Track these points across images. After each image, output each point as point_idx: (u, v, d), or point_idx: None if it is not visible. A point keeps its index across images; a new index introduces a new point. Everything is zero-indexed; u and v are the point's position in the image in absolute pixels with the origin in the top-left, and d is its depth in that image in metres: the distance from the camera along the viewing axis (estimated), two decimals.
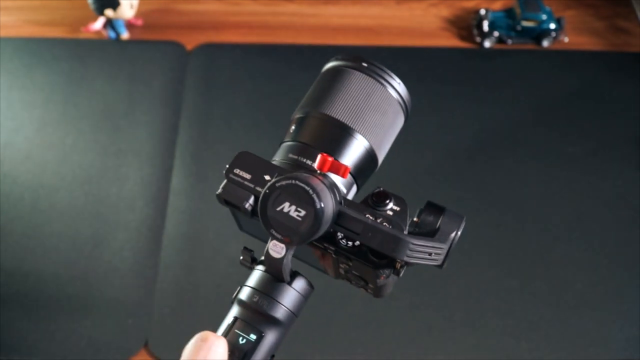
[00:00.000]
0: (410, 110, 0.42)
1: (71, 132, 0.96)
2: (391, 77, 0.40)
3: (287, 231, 0.33)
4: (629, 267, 0.85)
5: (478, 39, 1.07)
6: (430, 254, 0.34)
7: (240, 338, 0.35)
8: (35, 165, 0.93)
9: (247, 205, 0.35)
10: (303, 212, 0.33)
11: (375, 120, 0.39)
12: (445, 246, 0.35)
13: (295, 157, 0.38)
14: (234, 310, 0.37)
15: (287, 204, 0.33)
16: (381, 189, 0.36)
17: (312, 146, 0.38)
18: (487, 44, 1.06)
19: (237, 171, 0.36)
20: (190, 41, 1.07)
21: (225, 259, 0.84)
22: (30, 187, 0.91)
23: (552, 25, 1.05)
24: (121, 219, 0.88)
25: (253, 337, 0.35)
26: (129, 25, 1.09)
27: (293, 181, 0.32)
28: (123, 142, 0.96)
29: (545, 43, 1.07)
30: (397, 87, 0.40)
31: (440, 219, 0.36)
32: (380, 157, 0.40)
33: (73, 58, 1.05)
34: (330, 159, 0.34)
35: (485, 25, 1.06)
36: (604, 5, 1.15)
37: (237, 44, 1.07)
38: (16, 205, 0.89)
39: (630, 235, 0.87)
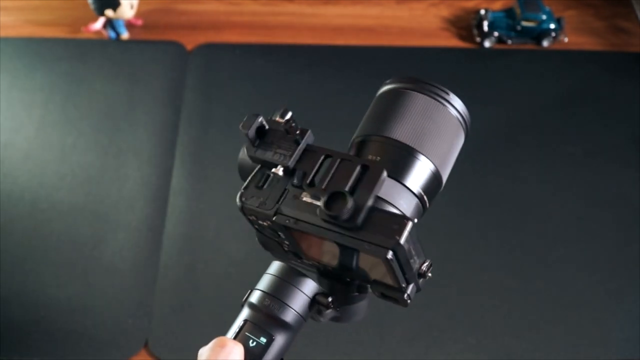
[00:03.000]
0: (470, 127, 0.42)
1: (71, 132, 0.96)
2: (449, 95, 0.39)
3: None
4: (629, 267, 0.85)
5: (478, 39, 1.07)
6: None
7: (251, 341, 0.36)
8: (35, 165, 0.93)
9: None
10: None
11: (439, 141, 0.38)
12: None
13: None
14: (245, 313, 0.37)
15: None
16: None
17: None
18: (487, 44, 1.06)
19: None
20: (190, 41, 1.07)
21: (225, 259, 0.84)
22: (30, 187, 0.91)
23: (552, 25, 1.05)
24: (121, 219, 0.88)
25: (263, 340, 0.36)
26: (129, 25, 1.09)
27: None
28: (123, 142, 0.96)
29: (545, 43, 1.07)
30: (456, 105, 0.40)
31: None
32: (445, 177, 0.40)
33: (73, 58, 1.05)
34: None
35: (485, 25, 1.05)
36: (604, 5, 1.15)
37: (237, 44, 1.07)
38: (16, 205, 0.89)
39: (630, 235, 0.87)
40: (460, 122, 0.40)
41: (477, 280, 0.83)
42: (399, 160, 0.37)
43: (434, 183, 0.38)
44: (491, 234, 0.87)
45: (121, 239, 0.86)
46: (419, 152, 0.37)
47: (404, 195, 0.36)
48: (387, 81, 0.40)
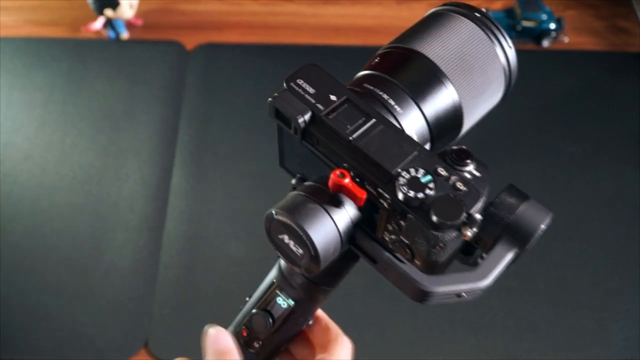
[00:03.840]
0: (512, 87, 0.37)
1: (71, 132, 0.96)
2: (504, 37, 0.34)
3: (292, 261, 0.31)
4: (629, 267, 0.85)
5: None
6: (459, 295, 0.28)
7: (280, 300, 0.37)
8: (35, 165, 0.93)
9: (300, 121, 0.30)
10: (300, 251, 0.30)
11: (473, 76, 0.33)
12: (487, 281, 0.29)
13: (371, 87, 0.34)
14: (273, 275, 0.38)
15: (285, 236, 0.31)
16: (464, 147, 0.30)
17: (394, 82, 0.33)
18: None
19: (300, 82, 0.31)
20: (190, 41, 1.07)
21: (225, 259, 0.84)
22: (31, 187, 0.91)
23: (552, 25, 1.05)
24: (121, 219, 0.88)
25: (291, 302, 0.37)
26: (129, 25, 1.09)
27: (288, 220, 0.29)
28: (123, 142, 0.96)
29: (545, 43, 1.07)
30: (507, 51, 0.34)
31: (522, 206, 0.31)
32: (466, 122, 0.35)
33: (73, 58, 1.05)
34: (347, 180, 0.28)
35: None
36: (604, 5, 1.15)
37: (237, 44, 1.07)
38: (16, 205, 0.89)
39: (630, 235, 0.87)
40: (505, 71, 0.35)
41: None
42: (421, 79, 0.32)
43: (451, 119, 0.34)
44: None
45: (121, 239, 0.86)
46: (447, 78, 0.32)
47: (418, 121, 0.32)
48: (440, 5, 0.36)
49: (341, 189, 0.29)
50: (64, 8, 1.12)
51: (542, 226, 0.31)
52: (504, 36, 0.34)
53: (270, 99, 0.30)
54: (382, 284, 0.85)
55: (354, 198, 0.29)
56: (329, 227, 0.29)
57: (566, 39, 1.08)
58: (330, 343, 0.38)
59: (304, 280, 0.36)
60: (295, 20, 1.12)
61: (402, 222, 0.28)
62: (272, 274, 0.39)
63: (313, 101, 0.30)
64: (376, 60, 0.36)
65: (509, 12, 1.07)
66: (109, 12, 1.03)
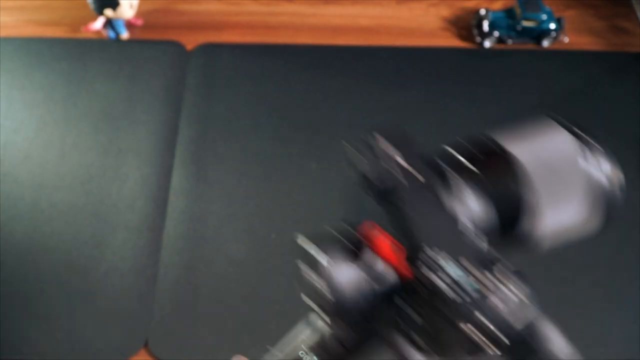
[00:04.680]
0: (613, 215, 0.34)
1: (71, 132, 0.96)
2: (602, 157, 0.33)
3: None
4: (629, 267, 0.85)
5: (478, 39, 1.07)
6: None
7: None
8: (35, 165, 0.93)
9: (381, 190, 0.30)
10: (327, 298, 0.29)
11: (554, 185, 0.32)
12: None
13: (439, 162, 0.33)
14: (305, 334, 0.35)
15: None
16: (520, 271, 0.29)
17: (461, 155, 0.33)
18: (487, 44, 1.06)
19: (385, 146, 0.31)
20: (190, 41, 1.07)
21: (225, 259, 0.84)
22: (31, 187, 0.91)
23: (552, 25, 1.05)
24: (121, 219, 0.88)
25: None
26: (129, 25, 1.09)
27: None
28: (123, 141, 0.96)
29: (546, 43, 1.07)
30: (602, 171, 0.33)
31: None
32: (540, 228, 0.33)
33: (73, 58, 1.05)
34: (385, 242, 0.29)
35: (485, 25, 1.05)
36: (604, 5, 1.15)
37: (237, 44, 1.07)
38: (16, 205, 0.89)
39: (630, 235, 0.87)
40: (594, 190, 0.33)
41: None
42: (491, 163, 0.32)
43: (511, 209, 0.32)
44: None
45: (121, 239, 0.86)
46: (530, 181, 0.31)
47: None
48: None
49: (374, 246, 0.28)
50: (64, 8, 1.12)
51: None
52: (602, 156, 0.33)
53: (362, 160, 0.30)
54: None
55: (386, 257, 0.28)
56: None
57: (566, 39, 1.08)
58: None
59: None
60: (295, 20, 1.12)
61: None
62: (304, 334, 0.36)
63: (400, 174, 0.30)
64: (473, 150, 0.35)
65: (509, 12, 1.07)
66: (109, 12, 1.03)
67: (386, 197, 0.30)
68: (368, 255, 0.29)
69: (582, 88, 1.03)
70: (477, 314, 0.25)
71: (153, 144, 0.95)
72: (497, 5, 1.13)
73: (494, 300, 0.27)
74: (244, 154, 0.94)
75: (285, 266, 0.83)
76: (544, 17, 1.04)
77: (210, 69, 1.04)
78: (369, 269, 0.29)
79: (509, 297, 0.28)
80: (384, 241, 0.29)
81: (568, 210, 0.33)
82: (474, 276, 0.27)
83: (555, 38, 1.06)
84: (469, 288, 0.26)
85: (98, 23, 1.06)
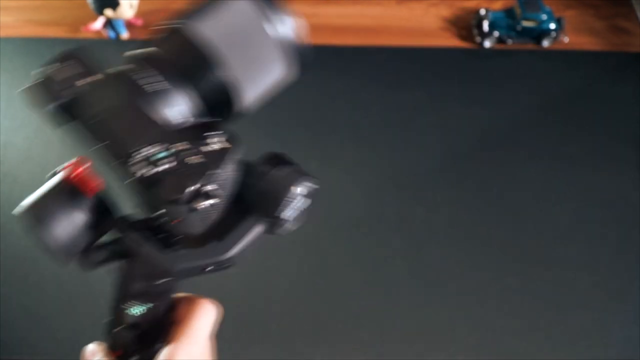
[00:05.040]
0: (305, 58, 0.35)
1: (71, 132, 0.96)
2: (278, 13, 0.34)
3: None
4: (629, 267, 0.85)
5: (478, 39, 1.07)
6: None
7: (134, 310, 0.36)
8: (35, 165, 0.93)
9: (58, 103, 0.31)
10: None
11: (240, 52, 0.32)
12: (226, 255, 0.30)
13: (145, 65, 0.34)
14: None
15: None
16: (211, 120, 0.31)
17: (165, 58, 0.34)
18: (487, 44, 1.06)
19: (62, 64, 0.34)
20: None
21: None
22: (31, 187, 0.91)
23: (552, 25, 1.05)
24: None
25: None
26: (129, 25, 1.09)
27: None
28: None
29: (545, 43, 1.07)
30: (281, 26, 0.34)
31: (273, 171, 0.30)
32: (244, 95, 0.33)
33: None
34: (80, 169, 0.30)
35: (485, 25, 1.06)
36: (604, 5, 1.15)
37: None
38: (16, 205, 0.89)
39: (630, 235, 0.87)
40: (279, 44, 0.33)
41: (477, 280, 0.83)
42: (186, 56, 0.33)
43: (220, 92, 0.32)
44: (491, 233, 0.87)
45: None
46: (213, 56, 0.31)
47: (184, 96, 0.31)
48: None
49: (72, 182, 0.29)
50: (64, 8, 1.12)
51: (293, 189, 0.30)
52: (278, 13, 0.34)
53: (25, 87, 0.30)
54: (380, 282, 0.85)
55: (83, 188, 0.29)
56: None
57: (566, 39, 1.08)
58: (188, 316, 0.37)
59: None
60: None
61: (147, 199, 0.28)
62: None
63: (68, 85, 0.31)
64: (151, 38, 0.36)
65: (509, 12, 1.07)
66: (109, 12, 1.03)
67: (70, 111, 0.30)
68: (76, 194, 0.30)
69: (582, 88, 1.03)
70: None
71: None
72: (497, 5, 1.13)
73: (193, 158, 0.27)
74: (244, 153, 0.94)
75: (285, 266, 0.83)
76: (544, 17, 1.05)
77: None
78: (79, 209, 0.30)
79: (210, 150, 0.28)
80: (82, 175, 0.30)
81: (268, 75, 0.34)
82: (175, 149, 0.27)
83: (555, 38, 1.06)
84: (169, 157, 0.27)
85: (98, 23, 1.06)
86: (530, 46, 1.07)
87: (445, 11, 1.14)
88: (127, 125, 0.28)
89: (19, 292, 0.82)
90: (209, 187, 0.27)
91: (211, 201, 0.27)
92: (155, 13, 1.12)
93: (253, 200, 0.29)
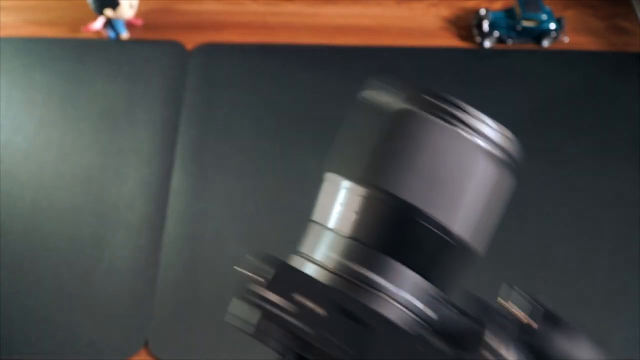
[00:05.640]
0: (520, 162, 0.29)
1: (71, 132, 0.96)
2: (479, 120, 0.27)
3: None
4: (629, 267, 0.85)
5: (478, 39, 1.07)
6: None
7: None
8: (35, 164, 0.93)
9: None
10: None
11: (457, 195, 0.27)
12: None
13: (348, 262, 0.26)
14: None
15: None
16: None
17: (370, 245, 0.26)
18: (487, 44, 1.06)
19: (267, 294, 0.25)
20: (190, 41, 1.07)
21: (225, 259, 0.84)
22: (30, 187, 0.91)
23: (552, 25, 1.05)
24: (121, 219, 0.88)
25: None
26: (129, 25, 1.09)
27: None
28: (123, 141, 0.95)
29: (546, 43, 1.07)
30: (484, 130, 0.27)
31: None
32: (476, 242, 0.28)
33: (73, 58, 1.05)
34: None
35: (485, 25, 1.05)
36: (604, 5, 1.15)
37: (237, 44, 1.07)
38: (16, 205, 0.89)
39: (630, 235, 0.87)
40: (494, 156, 0.27)
41: (476, 279, 0.83)
42: (402, 230, 0.26)
43: (450, 253, 0.27)
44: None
45: (121, 239, 0.86)
46: (424, 215, 0.25)
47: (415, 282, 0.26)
48: (374, 88, 0.26)
49: None
50: (64, 8, 1.12)
51: None
52: (478, 119, 0.26)
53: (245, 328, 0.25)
54: None
55: None
56: None
57: (566, 39, 1.08)
58: None
59: None
60: (295, 20, 1.12)
61: None
62: None
63: (295, 322, 0.24)
64: (357, 218, 0.27)
65: (509, 12, 1.07)
66: (109, 12, 1.03)
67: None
68: None
69: (582, 88, 1.03)
70: None
71: (153, 144, 0.95)
72: (497, 5, 1.13)
73: None
74: (244, 154, 0.94)
75: None
76: (544, 17, 1.04)
77: (210, 69, 1.04)
78: None
79: None
80: None
81: (492, 204, 0.29)
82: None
83: (555, 38, 1.06)
84: None
85: (98, 23, 1.06)
86: (530, 46, 1.07)
87: (445, 11, 1.14)
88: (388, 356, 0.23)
89: (19, 291, 0.82)
90: None
91: None
92: (155, 13, 1.12)
93: None
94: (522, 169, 0.30)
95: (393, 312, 0.25)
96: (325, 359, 0.24)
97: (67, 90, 1.01)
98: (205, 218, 0.88)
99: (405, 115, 0.27)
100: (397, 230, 0.26)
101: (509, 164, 0.29)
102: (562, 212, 0.90)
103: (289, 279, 0.26)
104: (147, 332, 0.79)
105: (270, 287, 0.25)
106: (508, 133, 0.28)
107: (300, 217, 0.93)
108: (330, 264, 0.27)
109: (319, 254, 0.28)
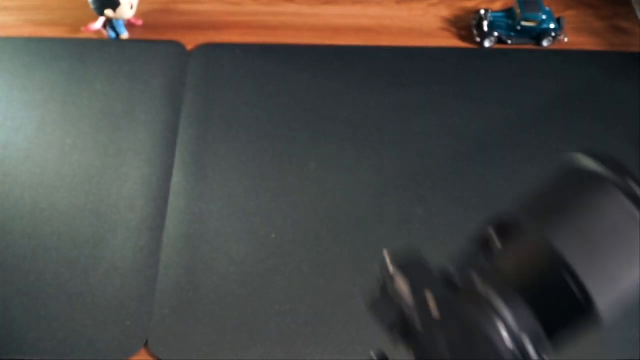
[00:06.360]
0: None
1: (71, 132, 0.96)
2: None
3: None
4: None
5: (478, 39, 1.07)
6: None
7: None
8: (35, 164, 0.93)
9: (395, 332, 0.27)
10: None
11: (609, 267, 0.26)
12: None
13: (482, 281, 0.28)
14: None
15: None
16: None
17: (508, 280, 0.27)
18: (487, 44, 1.06)
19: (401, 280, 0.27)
20: (190, 41, 1.07)
21: (225, 259, 0.84)
22: (31, 187, 0.91)
23: (552, 25, 1.05)
24: (121, 219, 0.88)
25: None
26: (129, 25, 1.09)
27: None
28: (123, 141, 0.96)
29: (545, 43, 1.07)
30: None
31: None
32: (604, 309, 0.28)
33: (73, 58, 1.05)
34: None
35: (485, 25, 1.06)
36: (604, 5, 1.15)
37: (237, 44, 1.07)
38: (16, 205, 0.89)
39: None
40: None
41: None
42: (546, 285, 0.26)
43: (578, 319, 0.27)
44: None
45: (121, 239, 0.86)
46: (574, 272, 0.25)
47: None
48: (590, 155, 0.28)
49: None
50: (64, 8, 1.12)
51: None
52: None
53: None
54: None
55: None
56: None
57: (566, 39, 1.08)
58: None
59: None
60: (295, 20, 1.12)
61: None
62: None
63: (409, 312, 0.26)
64: (503, 251, 0.29)
65: (509, 12, 1.07)
66: (109, 12, 1.03)
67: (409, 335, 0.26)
68: None
69: (582, 88, 1.03)
70: None
71: (153, 144, 0.95)
72: (497, 6, 1.13)
73: None
74: (244, 154, 0.94)
75: (285, 266, 0.83)
76: (544, 17, 1.05)
77: (210, 69, 1.04)
78: None
79: None
80: None
81: (631, 276, 0.28)
82: None
83: (555, 38, 1.06)
84: None
85: (98, 23, 1.06)
86: (530, 46, 1.07)
87: (445, 11, 1.14)
88: None
89: (18, 292, 0.82)
90: None
91: None
92: (155, 13, 1.12)
93: None
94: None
95: (501, 342, 0.26)
96: (421, 355, 0.25)
97: (67, 90, 1.01)
98: (205, 218, 0.88)
99: (600, 184, 0.28)
100: (540, 276, 0.27)
101: None
102: None
103: (421, 273, 0.29)
104: (147, 332, 0.79)
105: (400, 270, 0.28)
106: None
107: (299, 216, 0.93)
108: (466, 278, 0.28)
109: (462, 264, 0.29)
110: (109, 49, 1.07)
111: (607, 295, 0.27)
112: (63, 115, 0.98)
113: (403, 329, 0.27)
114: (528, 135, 0.97)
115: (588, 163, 0.29)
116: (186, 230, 0.87)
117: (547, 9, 1.06)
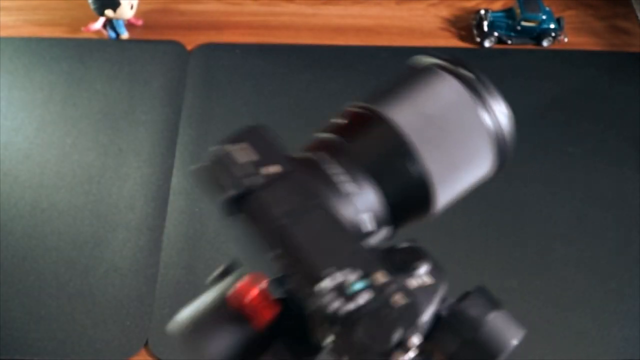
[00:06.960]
0: (510, 156, 0.31)
1: (71, 132, 0.96)
2: (496, 100, 0.29)
3: None
4: (629, 267, 0.85)
5: (478, 39, 1.07)
6: None
7: None
8: (35, 164, 0.93)
9: (229, 194, 0.27)
10: None
11: (448, 148, 0.28)
12: None
13: (326, 156, 0.29)
14: None
15: None
16: (416, 244, 0.27)
17: (352, 151, 0.28)
18: (487, 44, 1.06)
19: (237, 147, 0.28)
20: (190, 41, 1.07)
21: (226, 259, 0.84)
22: (31, 187, 0.91)
23: (552, 25, 1.05)
24: (121, 219, 0.88)
25: None
26: (129, 25, 1.09)
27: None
28: (123, 141, 0.96)
29: (545, 43, 1.07)
30: (499, 117, 0.29)
31: (488, 318, 0.26)
32: (440, 200, 0.30)
33: (73, 58, 1.05)
34: (254, 294, 0.24)
35: (485, 25, 1.06)
36: (604, 5, 1.15)
37: (237, 44, 1.07)
38: (16, 205, 0.89)
39: (630, 235, 0.87)
40: (494, 140, 0.29)
41: (476, 280, 0.83)
42: (382, 151, 0.28)
43: (417, 197, 0.28)
44: (491, 234, 0.87)
45: (121, 239, 0.86)
46: (414, 150, 0.27)
47: (373, 200, 0.27)
48: (426, 56, 0.30)
49: (241, 308, 0.24)
50: (64, 8, 1.12)
51: (513, 343, 0.25)
52: (495, 99, 0.29)
53: (197, 166, 0.27)
54: None
55: (254, 319, 0.24)
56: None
57: (566, 39, 1.08)
58: None
59: None
60: (295, 20, 1.12)
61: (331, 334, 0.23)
62: None
63: (246, 173, 0.26)
64: (341, 121, 0.30)
65: (508, 12, 1.07)
66: (109, 12, 1.03)
67: (244, 204, 0.26)
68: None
69: (582, 88, 1.03)
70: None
71: (153, 144, 0.95)
72: (497, 5, 1.13)
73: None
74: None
75: None
76: (544, 17, 1.04)
77: (210, 69, 1.04)
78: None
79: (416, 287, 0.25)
80: (256, 304, 0.25)
81: (470, 174, 0.30)
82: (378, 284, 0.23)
83: (555, 38, 1.06)
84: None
85: (98, 23, 1.06)
86: (530, 46, 1.07)
87: (445, 11, 1.14)
88: (316, 237, 0.24)
89: (19, 292, 0.82)
90: (415, 340, 0.22)
91: (411, 354, 0.22)
92: (155, 13, 1.12)
93: (452, 348, 0.25)
94: (509, 164, 0.32)
95: (339, 202, 0.26)
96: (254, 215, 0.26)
97: (67, 90, 1.01)
98: (205, 218, 0.88)
99: (435, 72, 0.29)
100: (384, 156, 0.28)
101: (502, 148, 0.30)
102: (562, 212, 0.90)
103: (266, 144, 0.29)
104: (147, 332, 0.79)
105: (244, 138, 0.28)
106: (512, 121, 0.30)
107: None
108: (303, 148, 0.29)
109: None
110: (109, 49, 1.07)
111: (437, 161, 0.28)
112: (63, 115, 0.98)
113: (237, 196, 0.27)
114: (528, 135, 0.97)
115: (426, 60, 0.30)
116: (186, 230, 0.87)
117: (547, 9, 1.06)
